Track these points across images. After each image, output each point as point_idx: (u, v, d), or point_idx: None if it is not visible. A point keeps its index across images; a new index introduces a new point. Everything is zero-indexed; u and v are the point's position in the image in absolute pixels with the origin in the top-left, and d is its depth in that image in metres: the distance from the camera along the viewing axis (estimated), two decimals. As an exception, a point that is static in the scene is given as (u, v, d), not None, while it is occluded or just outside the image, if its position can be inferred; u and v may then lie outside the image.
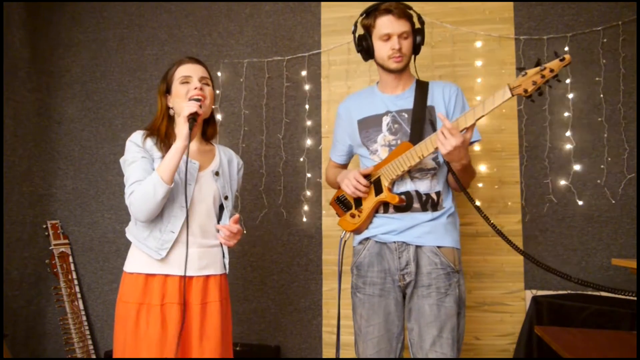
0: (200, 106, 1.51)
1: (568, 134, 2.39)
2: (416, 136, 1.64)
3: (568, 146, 2.40)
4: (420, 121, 1.66)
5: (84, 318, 2.78)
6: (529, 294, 2.33)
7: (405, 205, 1.66)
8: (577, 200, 2.38)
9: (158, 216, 1.53)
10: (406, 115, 1.69)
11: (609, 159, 2.36)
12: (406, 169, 1.61)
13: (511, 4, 2.49)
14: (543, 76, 1.39)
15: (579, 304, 2.01)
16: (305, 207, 2.64)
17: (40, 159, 2.94)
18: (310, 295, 2.61)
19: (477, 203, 1.52)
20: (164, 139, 1.59)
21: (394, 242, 1.66)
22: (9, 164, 2.73)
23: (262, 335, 2.65)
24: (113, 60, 2.93)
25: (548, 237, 2.40)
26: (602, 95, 2.37)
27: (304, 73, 2.69)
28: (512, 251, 2.40)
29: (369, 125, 1.75)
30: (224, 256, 1.66)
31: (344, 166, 1.98)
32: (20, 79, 2.84)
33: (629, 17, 2.35)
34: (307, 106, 2.68)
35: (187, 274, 1.54)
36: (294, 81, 2.70)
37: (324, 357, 2.57)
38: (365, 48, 1.74)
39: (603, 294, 2.24)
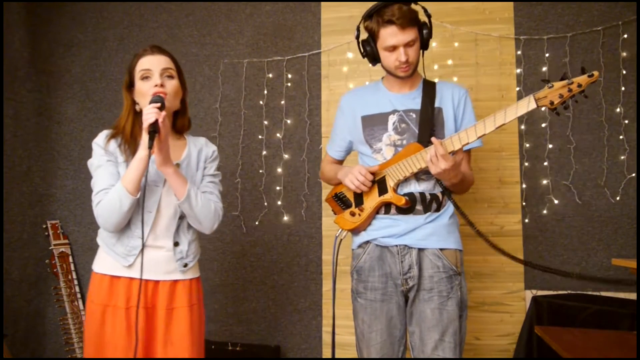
0: (162, 106, 1.40)
1: (568, 134, 2.39)
2: (425, 137, 1.60)
3: (568, 146, 2.40)
4: (429, 122, 1.62)
5: (84, 318, 2.78)
6: (529, 294, 2.33)
7: (408, 207, 1.62)
8: (577, 200, 2.38)
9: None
10: (414, 116, 1.64)
11: (609, 159, 2.36)
12: (415, 171, 1.57)
13: (511, 4, 2.49)
14: (570, 90, 1.39)
15: (579, 304, 2.01)
16: (305, 207, 2.64)
17: (40, 159, 2.93)
18: (310, 295, 2.61)
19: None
20: (129, 140, 1.51)
21: (396, 245, 1.61)
22: (9, 164, 2.73)
23: (262, 335, 2.65)
24: (113, 60, 2.93)
25: (548, 237, 2.40)
26: (602, 95, 2.37)
27: (304, 73, 2.69)
28: (512, 251, 2.40)
29: (374, 123, 1.68)
30: (183, 257, 1.56)
31: (341, 162, 1.91)
32: (20, 79, 2.83)
33: (629, 17, 2.35)
34: (307, 106, 2.68)
35: (153, 278, 1.50)
36: (294, 81, 2.70)
37: (324, 357, 2.57)
38: (370, 54, 1.66)
39: (603, 293, 2.24)
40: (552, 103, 1.41)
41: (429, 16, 1.65)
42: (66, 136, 2.95)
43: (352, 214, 1.70)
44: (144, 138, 1.38)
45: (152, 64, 1.49)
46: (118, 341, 1.44)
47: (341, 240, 1.73)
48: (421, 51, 1.65)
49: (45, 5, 2.98)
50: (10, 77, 2.76)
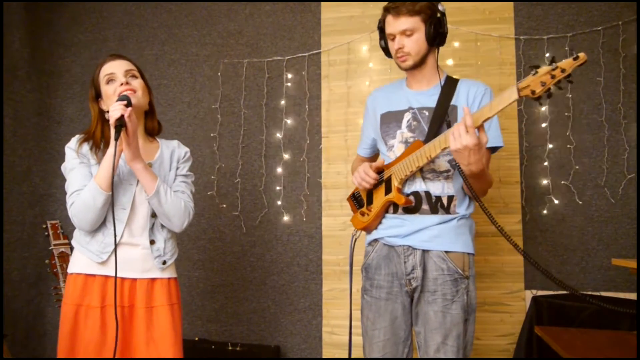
0: (128, 103, 1.42)
1: (568, 134, 2.39)
2: (432, 136, 1.56)
3: (568, 146, 2.40)
4: (439, 121, 1.59)
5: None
6: (529, 294, 2.33)
7: (413, 206, 1.60)
8: (577, 200, 2.38)
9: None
10: (427, 114, 1.62)
11: (609, 159, 2.36)
12: (414, 169, 1.55)
13: (511, 4, 2.49)
14: (553, 76, 1.23)
15: (579, 304, 2.01)
16: (305, 207, 2.64)
17: (40, 159, 2.93)
18: (310, 295, 2.61)
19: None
20: (100, 143, 1.54)
21: (401, 245, 1.61)
22: (9, 164, 2.73)
23: (262, 335, 2.65)
24: (113, 60, 2.93)
25: (548, 237, 2.40)
26: (602, 95, 2.37)
27: (304, 73, 2.69)
28: (512, 251, 2.40)
29: (389, 120, 1.69)
30: (161, 255, 1.57)
31: (369, 160, 1.90)
32: (20, 79, 2.83)
33: (629, 17, 2.35)
34: (307, 106, 2.68)
35: (130, 276, 1.51)
36: (294, 81, 2.70)
37: (324, 357, 2.57)
38: (383, 46, 1.70)
39: (603, 293, 2.24)
40: (533, 92, 1.26)
41: (442, 13, 1.59)
42: (66, 136, 2.94)
43: (362, 214, 1.72)
44: (112, 134, 1.40)
45: (114, 68, 1.54)
46: (91, 340, 1.43)
47: (356, 239, 1.74)
48: (436, 48, 1.63)
49: (45, 5, 2.98)
50: (10, 77, 2.76)
